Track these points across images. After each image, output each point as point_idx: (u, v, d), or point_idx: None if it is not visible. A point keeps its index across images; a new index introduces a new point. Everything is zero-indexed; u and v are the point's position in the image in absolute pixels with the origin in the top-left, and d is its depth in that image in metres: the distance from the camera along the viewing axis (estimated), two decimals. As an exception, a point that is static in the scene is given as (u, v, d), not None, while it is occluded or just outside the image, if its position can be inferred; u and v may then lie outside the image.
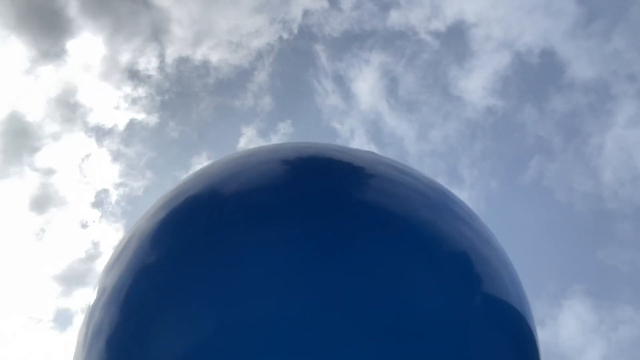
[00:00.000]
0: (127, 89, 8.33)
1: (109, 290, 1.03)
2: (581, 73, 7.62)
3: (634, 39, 7.31)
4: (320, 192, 0.99)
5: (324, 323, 0.84)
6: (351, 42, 8.44)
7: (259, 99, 8.45)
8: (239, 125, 8.43)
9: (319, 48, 8.41)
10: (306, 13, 8.33)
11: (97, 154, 8.48)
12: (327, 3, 8.30)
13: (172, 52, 8.54)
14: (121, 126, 8.32)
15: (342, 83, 8.38)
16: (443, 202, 1.08)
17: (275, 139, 8.15)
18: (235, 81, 8.54)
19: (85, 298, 1.19)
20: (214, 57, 8.42)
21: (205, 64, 8.36)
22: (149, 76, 8.32)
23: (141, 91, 8.29)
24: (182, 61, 8.40)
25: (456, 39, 8.19)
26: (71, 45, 8.32)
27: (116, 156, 8.42)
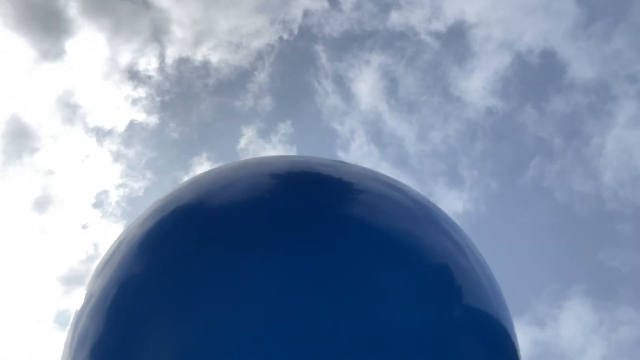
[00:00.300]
0: (127, 89, 8.34)
1: (96, 297, 1.04)
2: (581, 74, 7.63)
3: (634, 39, 7.32)
4: (307, 206, 1.01)
5: (308, 335, 0.86)
6: (351, 42, 8.45)
7: (259, 99, 8.46)
8: (239, 126, 8.45)
9: (319, 48, 8.42)
10: (306, 13, 8.35)
11: (97, 155, 8.50)
12: (328, 3, 8.31)
13: (172, 53, 8.55)
14: (121, 127, 8.34)
15: (342, 83, 8.39)
16: (427, 216, 1.11)
17: (275, 140, 8.16)
18: (235, 82, 8.55)
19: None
20: (214, 58, 8.44)
21: (205, 64, 8.37)
22: (149, 77, 8.33)
23: (141, 92, 8.30)
24: (182, 62, 8.41)
25: (456, 40, 8.20)
26: (71, 45, 8.33)
27: (116, 157, 8.44)
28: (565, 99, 7.71)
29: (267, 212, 0.99)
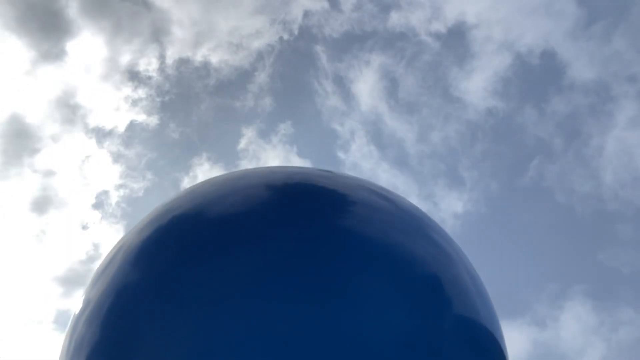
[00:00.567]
0: (128, 90, 8.35)
1: (93, 303, 1.06)
2: (581, 74, 7.63)
3: (634, 40, 7.31)
4: (299, 217, 1.04)
5: (300, 345, 0.88)
6: (351, 43, 8.45)
7: (259, 99, 8.47)
8: (240, 126, 8.46)
9: (319, 49, 8.42)
10: (306, 14, 8.35)
11: (98, 155, 8.51)
12: (328, 4, 8.31)
13: (172, 53, 8.56)
14: (121, 127, 8.35)
15: (342, 84, 8.40)
16: (418, 227, 1.13)
17: (275, 140, 8.17)
18: (235, 82, 8.56)
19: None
20: (215, 58, 8.44)
21: (205, 65, 8.38)
22: (149, 77, 8.34)
23: (141, 92, 8.31)
24: (183, 62, 8.42)
25: (457, 41, 8.20)
26: (71, 46, 8.34)
27: (116, 157, 8.44)
28: (566, 100, 7.72)
29: (261, 223, 1.02)
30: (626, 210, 7.11)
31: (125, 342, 0.96)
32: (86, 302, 1.09)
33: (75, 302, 1.16)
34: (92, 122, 8.37)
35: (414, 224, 1.13)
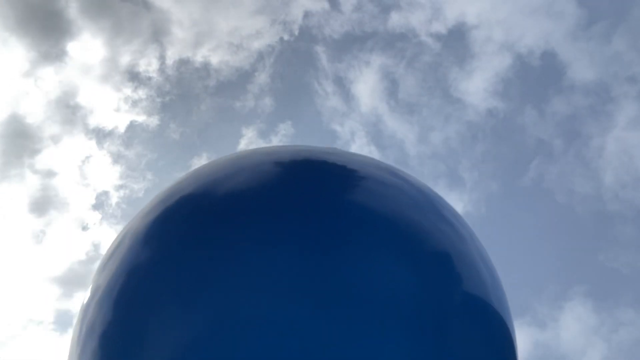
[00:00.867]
0: (128, 90, 8.35)
1: (102, 288, 1.04)
2: (582, 75, 7.63)
3: (635, 40, 7.31)
4: (309, 193, 1.02)
5: (312, 318, 0.87)
6: (352, 43, 8.45)
7: (259, 100, 8.47)
8: (240, 127, 8.46)
9: (319, 49, 8.42)
10: (307, 14, 8.35)
11: (98, 156, 8.50)
12: (328, 4, 8.31)
13: (172, 54, 8.55)
14: (121, 128, 8.35)
15: (342, 85, 8.40)
16: (430, 204, 1.11)
17: (275, 140, 8.16)
18: (235, 83, 8.55)
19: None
20: (215, 59, 8.43)
21: (205, 65, 8.37)
22: (150, 78, 8.33)
23: (141, 93, 8.30)
24: (183, 63, 8.41)
25: (457, 41, 8.20)
26: (71, 47, 8.33)
27: (116, 158, 8.44)
28: (566, 101, 7.71)
29: (270, 200, 1.00)
30: (626, 211, 7.11)
31: (138, 323, 0.95)
32: (95, 288, 1.08)
33: (83, 294, 1.15)
34: (92, 122, 8.37)
35: (426, 201, 1.12)
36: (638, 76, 7.38)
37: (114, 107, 8.45)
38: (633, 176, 7.16)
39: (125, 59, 8.43)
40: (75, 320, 1.12)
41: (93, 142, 8.42)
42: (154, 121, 8.37)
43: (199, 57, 8.50)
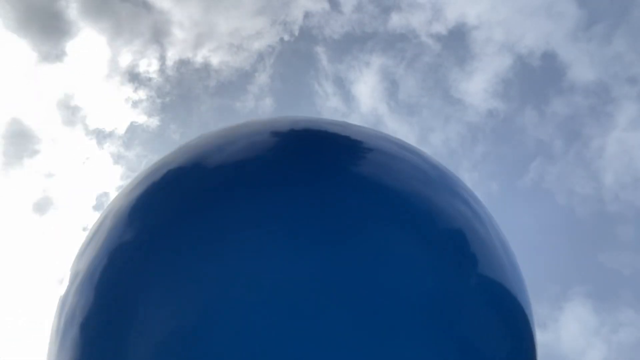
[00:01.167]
0: (128, 91, 8.33)
1: (82, 274, 0.94)
2: (582, 76, 7.62)
3: (635, 41, 7.31)
4: (312, 163, 0.92)
5: (313, 300, 0.78)
6: (352, 44, 8.44)
7: (259, 100, 8.45)
8: (240, 127, 8.41)
9: (319, 50, 8.42)
10: (307, 15, 8.34)
11: (98, 157, 8.49)
12: (328, 5, 8.30)
13: (172, 55, 8.55)
14: (122, 129, 8.33)
15: (342, 85, 8.39)
16: (443, 180, 1.01)
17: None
18: (236, 83, 8.54)
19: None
20: (215, 60, 8.43)
21: (206, 66, 8.36)
22: (150, 78, 8.32)
23: (142, 93, 8.29)
24: (183, 63, 8.41)
25: (457, 42, 8.19)
26: (72, 47, 8.32)
27: (117, 159, 8.42)
28: (566, 101, 7.71)
29: (269, 171, 0.90)
30: (627, 212, 7.10)
31: (123, 308, 0.84)
32: (74, 275, 0.96)
33: (61, 283, 1.03)
34: (93, 123, 8.36)
35: (440, 177, 1.00)
36: (638, 77, 7.37)
37: (114, 108, 8.46)
38: (633, 177, 7.16)
39: (125, 60, 8.43)
40: (52, 314, 1.01)
41: (93, 143, 8.42)
42: (154, 122, 8.36)
43: (199, 57, 8.50)
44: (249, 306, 0.78)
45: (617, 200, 7.16)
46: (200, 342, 0.77)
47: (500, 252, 0.98)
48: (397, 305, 0.80)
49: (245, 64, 8.39)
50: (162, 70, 8.37)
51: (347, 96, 8.39)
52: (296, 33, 8.39)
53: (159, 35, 8.42)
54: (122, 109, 8.37)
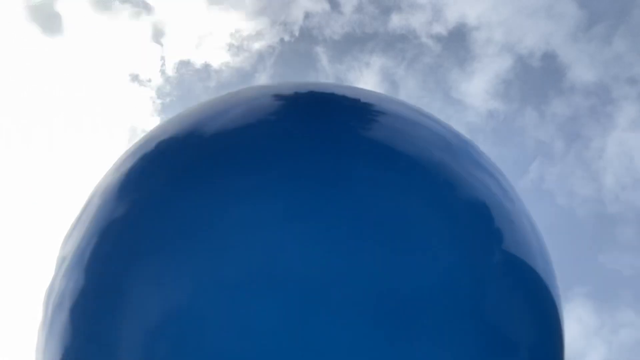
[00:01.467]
0: (128, 92, 8.33)
1: (70, 257, 0.86)
2: (582, 76, 7.62)
3: (635, 42, 7.31)
4: (320, 126, 0.83)
5: (321, 278, 0.70)
6: (352, 45, 8.44)
7: (259, 101, 8.45)
8: (239, 128, 8.40)
9: (320, 50, 8.41)
10: (307, 15, 8.33)
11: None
12: (328, 6, 8.30)
13: (172, 55, 8.54)
14: (122, 129, 8.33)
15: (342, 86, 8.39)
16: (465, 149, 0.91)
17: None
18: (236, 84, 8.53)
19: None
20: (215, 60, 8.42)
21: (206, 67, 8.35)
22: (150, 79, 8.31)
23: (142, 94, 8.29)
24: (183, 64, 8.40)
25: (457, 43, 8.19)
26: (71, 47, 8.31)
27: (117, 159, 8.40)
28: (566, 102, 7.71)
29: (271, 137, 0.81)
30: (627, 213, 7.10)
31: (113, 290, 0.77)
32: (61, 259, 0.89)
33: (48, 267, 0.96)
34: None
35: (462, 145, 0.91)
36: (638, 77, 7.37)
37: (114, 109, 8.45)
38: (634, 177, 7.15)
39: (125, 61, 8.43)
40: (40, 302, 0.94)
41: (93, 143, 8.42)
42: (154, 123, 8.37)
43: (199, 58, 8.50)
44: (248, 289, 0.71)
45: (618, 201, 7.16)
46: (196, 327, 0.71)
47: (528, 230, 0.89)
48: (417, 286, 0.72)
49: (245, 64, 8.39)
50: (162, 70, 8.37)
51: (347, 97, 8.39)
52: (296, 33, 8.39)
53: (159, 36, 8.42)
54: (122, 109, 8.37)
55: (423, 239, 0.75)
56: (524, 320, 0.83)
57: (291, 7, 8.51)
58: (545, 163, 7.65)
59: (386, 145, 0.83)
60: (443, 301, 0.74)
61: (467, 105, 8.02)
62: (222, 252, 0.74)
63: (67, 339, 0.82)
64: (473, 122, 8.00)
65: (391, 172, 0.80)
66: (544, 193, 7.51)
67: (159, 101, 8.28)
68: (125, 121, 8.42)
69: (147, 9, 8.43)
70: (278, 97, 0.91)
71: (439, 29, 8.11)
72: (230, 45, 8.47)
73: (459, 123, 8.10)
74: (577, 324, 6.72)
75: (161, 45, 8.39)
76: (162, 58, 8.36)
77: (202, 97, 8.56)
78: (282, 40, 8.40)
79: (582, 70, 7.64)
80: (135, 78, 8.26)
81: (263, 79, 8.39)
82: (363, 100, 0.93)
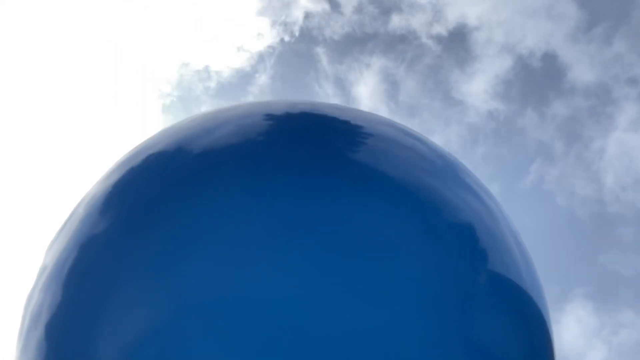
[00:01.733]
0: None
1: (50, 268, 0.85)
2: (582, 77, 7.61)
3: (635, 42, 7.30)
4: (306, 149, 0.84)
5: (306, 296, 0.70)
6: (352, 45, 8.43)
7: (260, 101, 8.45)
8: (240, 128, 8.40)
9: (320, 51, 8.41)
10: (307, 16, 8.33)
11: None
12: (328, 6, 8.30)
13: (172, 56, 8.54)
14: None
15: (343, 87, 8.38)
16: (450, 170, 0.93)
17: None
18: (236, 84, 8.53)
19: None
20: (215, 61, 8.42)
21: (206, 67, 8.36)
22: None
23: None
24: (183, 65, 8.40)
25: (458, 43, 8.18)
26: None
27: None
28: (566, 102, 7.70)
29: (260, 155, 0.81)
30: (627, 213, 7.09)
31: (94, 305, 0.75)
32: (42, 270, 0.88)
33: (28, 278, 0.95)
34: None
35: (447, 167, 0.92)
36: (638, 78, 7.37)
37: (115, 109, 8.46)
38: (634, 178, 7.15)
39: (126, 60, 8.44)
40: (19, 311, 0.92)
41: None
42: (154, 122, 8.37)
43: (199, 58, 8.50)
44: (232, 304, 0.70)
45: (618, 201, 7.15)
46: (177, 344, 0.70)
47: (514, 249, 0.90)
48: (401, 305, 0.72)
49: (245, 64, 8.39)
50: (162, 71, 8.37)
51: (348, 97, 8.38)
52: (296, 34, 8.39)
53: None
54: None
55: (406, 263, 0.75)
56: (512, 339, 0.82)
57: (291, 7, 8.51)
58: (546, 163, 7.66)
59: (371, 168, 0.83)
60: (430, 324, 0.74)
61: (468, 105, 8.02)
62: (202, 273, 0.73)
63: (41, 356, 0.81)
64: (473, 122, 8.00)
65: (375, 194, 0.80)
66: (545, 194, 7.51)
67: (159, 102, 8.29)
68: (126, 122, 8.43)
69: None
70: (267, 116, 0.91)
71: (439, 29, 8.11)
72: (231, 46, 8.48)
73: (460, 124, 8.10)
74: (577, 324, 6.72)
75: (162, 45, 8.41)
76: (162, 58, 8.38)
77: (202, 97, 8.57)
78: (282, 40, 8.41)
79: (582, 70, 7.64)
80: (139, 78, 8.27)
81: (263, 79, 8.39)
82: (352, 122, 0.94)
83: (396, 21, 8.27)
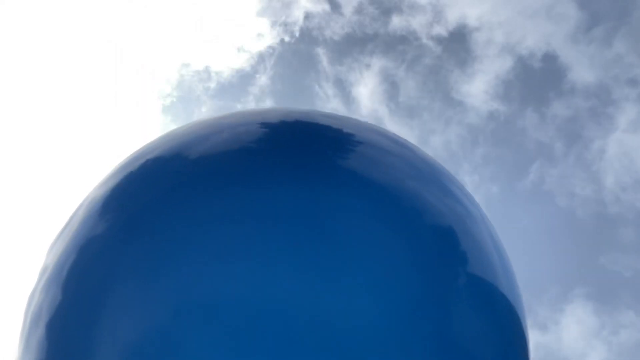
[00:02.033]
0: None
1: (50, 269, 0.88)
2: (582, 77, 7.62)
3: (636, 43, 7.31)
4: (297, 157, 0.88)
5: (296, 294, 0.74)
6: (352, 46, 8.44)
7: (260, 102, 8.45)
8: (240, 129, 8.40)
9: (320, 51, 8.41)
10: (307, 16, 8.34)
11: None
12: (329, 7, 8.30)
13: (172, 56, 8.55)
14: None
15: (343, 87, 8.38)
16: (434, 176, 0.98)
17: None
18: (236, 85, 8.54)
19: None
20: (215, 61, 8.43)
21: (206, 67, 8.36)
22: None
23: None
24: (183, 65, 8.41)
25: (458, 44, 8.19)
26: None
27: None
28: (566, 103, 7.70)
29: (254, 163, 0.86)
30: (627, 214, 7.09)
31: (94, 306, 0.78)
32: (42, 271, 0.91)
33: (29, 279, 0.97)
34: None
35: (431, 173, 0.97)
36: (639, 78, 7.37)
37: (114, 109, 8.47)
38: (634, 178, 7.15)
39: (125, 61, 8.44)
40: (21, 312, 0.95)
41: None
42: (155, 123, 8.37)
43: (199, 59, 8.51)
44: (229, 305, 0.73)
45: (618, 202, 7.15)
46: (177, 344, 0.72)
47: (491, 251, 0.94)
48: (380, 307, 0.76)
49: (245, 65, 8.40)
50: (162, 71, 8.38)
51: (348, 98, 8.39)
52: (297, 34, 8.40)
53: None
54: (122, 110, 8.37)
55: (387, 266, 0.79)
56: (488, 340, 0.86)
57: (291, 8, 8.52)
58: (546, 164, 7.66)
59: (360, 175, 0.89)
60: (408, 325, 0.77)
61: (468, 106, 8.03)
62: (197, 275, 0.76)
63: (42, 355, 0.83)
64: (473, 123, 8.01)
65: (361, 200, 0.85)
66: (545, 194, 7.52)
67: (159, 102, 8.29)
68: (126, 122, 8.43)
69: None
70: (261, 125, 0.96)
71: (440, 30, 8.11)
72: (231, 46, 8.48)
73: (460, 124, 8.11)
74: (577, 325, 6.73)
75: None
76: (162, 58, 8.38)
77: (202, 98, 8.57)
78: (282, 41, 8.42)
79: (582, 71, 7.65)
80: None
81: (263, 79, 8.40)
82: (345, 130, 0.99)
83: (396, 22, 8.28)
